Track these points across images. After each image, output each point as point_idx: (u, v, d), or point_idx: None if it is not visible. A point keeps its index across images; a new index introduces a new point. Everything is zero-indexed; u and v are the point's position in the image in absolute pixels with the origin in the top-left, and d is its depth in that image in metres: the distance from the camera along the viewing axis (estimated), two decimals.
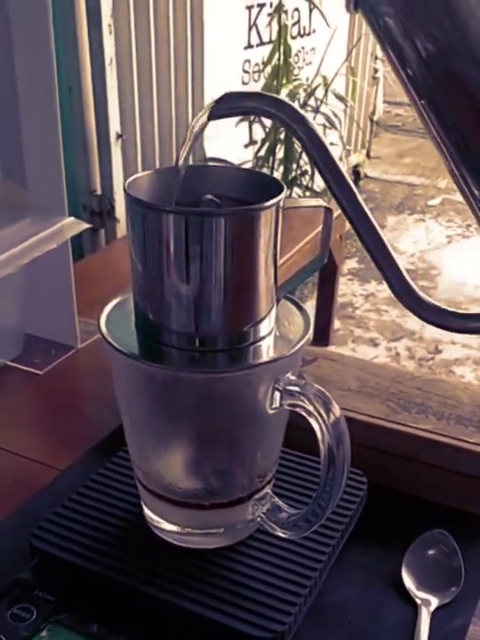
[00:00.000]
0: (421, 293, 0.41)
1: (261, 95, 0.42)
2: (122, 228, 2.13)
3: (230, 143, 2.39)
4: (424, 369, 2.23)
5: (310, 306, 2.14)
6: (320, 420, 0.43)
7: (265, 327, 0.46)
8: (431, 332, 2.42)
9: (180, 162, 0.44)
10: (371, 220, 0.41)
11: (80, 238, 2.12)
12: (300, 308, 0.50)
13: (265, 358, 0.46)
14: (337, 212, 0.45)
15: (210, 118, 0.42)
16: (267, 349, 0.46)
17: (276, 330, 0.47)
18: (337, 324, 2.35)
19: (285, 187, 0.43)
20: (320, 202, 0.46)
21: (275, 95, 0.43)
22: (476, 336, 2.35)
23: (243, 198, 0.45)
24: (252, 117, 2.28)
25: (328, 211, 0.47)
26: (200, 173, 0.47)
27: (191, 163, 0.45)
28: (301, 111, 0.41)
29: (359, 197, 0.41)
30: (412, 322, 2.49)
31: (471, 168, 0.38)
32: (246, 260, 0.43)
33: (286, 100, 0.42)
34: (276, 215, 0.43)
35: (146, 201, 0.43)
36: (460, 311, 0.42)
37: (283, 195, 0.43)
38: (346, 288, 2.67)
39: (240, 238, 0.42)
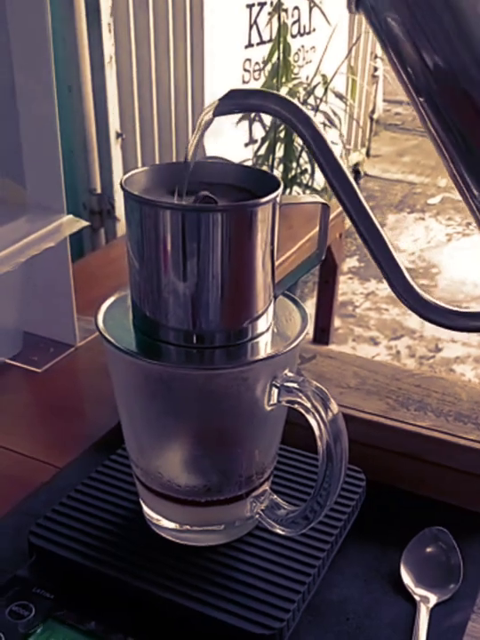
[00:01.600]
0: (422, 292, 0.41)
1: (265, 93, 0.42)
2: (122, 227, 2.13)
3: (230, 142, 2.39)
4: (424, 367, 2.23)
5: (311, 304, 2.14)
6: (318, 417, 0.43)
7: (262, 324, 0.46)
8: (431, 330, 2.41)
9: (189, 158, 0.44)
10: (372, 220, 0.41)
11: (80, 237, 2.12)
12: (297, 305, 0.50)
13: (262, 355, 0.46)
14: (337, 209, 0.45)
15: (215, 114, 0.42)
16: (264, 346, 0.46)
17: (273, 326, 0.47)
18: (337, 322, 2.35)
19: (282, 183, 0.43)
20: (317, 198, 0.46)
21: (279, 93, 0.43)
22: (477, 334, 2.35)
23: (240, 186, 0.45)
24: (252, 116, 2.28)
25: (325, 207, 0.46)
26: (198, 169, 0.47)
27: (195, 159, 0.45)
28: (305, 109, 0.41)
29: (361, 197, 0.41)
30: (413, 320, 2.49)
31: (470, 168, 0.38)
32: (243, 256, 0.43)
33: (290, 98, 0.42)
34: (273, 211, 0.43)
35: (142, 196, 0.43)
36: (461, 309, 0.42)
37: (280, 190, 0.43)
38: (346, 287, 2.67)
39: (237, 234, 0.42)
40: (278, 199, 0.43)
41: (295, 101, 0.42)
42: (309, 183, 2.39)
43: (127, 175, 0.44)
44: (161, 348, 0.45)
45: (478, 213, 0.39)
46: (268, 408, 0.46)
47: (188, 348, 0.45)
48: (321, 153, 0.41)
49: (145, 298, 0.45)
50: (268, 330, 0.47)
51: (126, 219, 0.44)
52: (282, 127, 2.26)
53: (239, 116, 2.14)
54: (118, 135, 2.10)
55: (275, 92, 0.42)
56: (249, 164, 2.31)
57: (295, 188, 2.39)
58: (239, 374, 0.45)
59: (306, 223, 1.40)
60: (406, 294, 0.42)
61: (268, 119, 2.27)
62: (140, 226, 0.43)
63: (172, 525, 0.52)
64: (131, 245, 0.44)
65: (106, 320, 0.47)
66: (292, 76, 2.37)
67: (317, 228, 0.49)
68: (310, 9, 2.80)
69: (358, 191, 0.41)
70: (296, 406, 0.45)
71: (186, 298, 0.43)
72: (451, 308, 0.42)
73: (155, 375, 0.46)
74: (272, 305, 0.47)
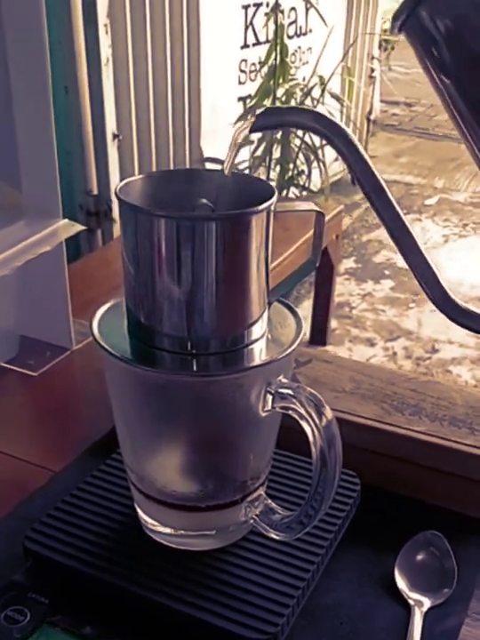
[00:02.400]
0: (459, 300, 0.43)
1: (301, 110, 0.43)
2: (119, 229, 2.13)
3: (227, 143, 2.38)
4: (421, 368, 2.23)
5: (307, 306, 2.15)
6: (312, 424, 0.43)
7: (257, 330, 0.46)
8: (428, 331, 2.42)
9: (226, 172, 0.45)
10: (410, 232, 0.43)
11: (77, 239, 2.12)
12: (292, 312, 0.50)
13: (257, 361, 0.46)
14: (332, 212, 0.45)
15: (251, 131, 0.43)
16: (259, 352, 0.46)
17: (268, 333, 0.48)
18: (334, 323, 2.35)
19: (279, 184, 0.43)
20: (312, 205, 0.47)
21: (314, 109, 0.44)
22: (473, 336, 2.36)
23: (235, 200, 0.45)
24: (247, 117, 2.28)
25: (320, 214, 0.47)
26: (194, 177, 0.48)
27: (195, 166, 0.45)
28: (342, 125, 0.42)
29: (399, 209, 0.43)
30: (409, 321, 2.49)
31: None
32: (238, 263, 0.43)
33: (326, 113, 0.43)
34: (267, 219, 0.43)
35: (138, 205, 0.43)
36: None
37: (274, 199, 0.43)
38: (343, 288, 2.67)
39: (231, 242, 0.42)
40: (272, 207, 0.43)
41: (331, 117, 0.42)
42: (306, 184, 2.39)
43: (122, 183, 0.44)
44: (156, 355, 0.45)
45: None
46: (263, 414, 0.46)
47: (182, 354, 0.45)
48: (359, 169, 0.42)
49: (140, 305, 0.45)
50: (262, 336, 0.47)
51: (121, 227, 0.44)
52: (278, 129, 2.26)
53: (235, 117, 2.14)
54: (115, 136, 2.10)
55: (310, 108, 0.43)
56: (246, 165, 2.32)
57: (292, 189, 2.39)
58: (234, 381, 0.45)
59: (302, 225, 1.40)
60: (442, 302, 0.43)
61: None
62: (135, 234, 0.43)
63: (167, 530, 0.52)
64: (126, 253, 0.45)
65: (101, 327, 0.47)
66: (289, 77, 2.37)
67: (312, 231, 0.49)
68: (307, 10, 2.81)
69: (395, 204, 0.42)
70: (290, 412, 0.45)
71: (181, 305, 0.43)
72: None
73: (150, 382, 0.46)
74: (267, 311, 0.47)
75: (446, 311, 0.43)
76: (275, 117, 0.44)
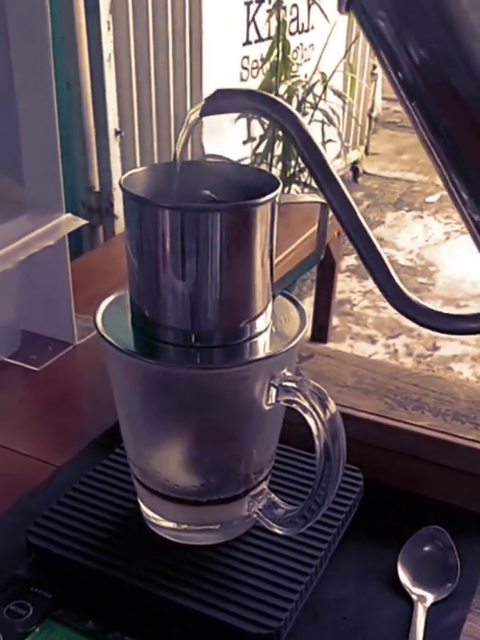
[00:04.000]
0: (411, 295, 0.41)
1: (253, 93, 0.42)
2: (120, 225, 2.13)
3: (228, 140, 2.38)
4: (422, 366, 2.23)
5: (308, 303, 2.14)
6: (316, 417, 0.43)
7: (261, 323, 0.46)
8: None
9: (177, 157, 0.44)
10: (360, 221, 0.41)
11: (79, 235, 2.12)
12: (296, 304, 0.50)
13: (261, 354, 0.46)
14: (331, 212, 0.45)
15: (201, 115, 0.43)
16: (263, 345, 0.46)
17: (272, 326, 0.47)
18: (335, 320, 2.35)
19: (281, 182, 0.43)
20: (316, 197, 0.46)
21: (266, 93, 0.43)
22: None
23: (240, 192, 0.45)
24: (250, 114, 2.28)
25: (324, 206, 0.47)
26: (197, 169, 0.47)
27: (188, 159, 0.45)
28: (292, 109, 0.41)
29: (350, 197, 0.41)
30: None
31: (460, 172, 0.38)
32: (242, 255, 0.43)
33: (277, 98, 0.42)
34: (271, 211, 0.43)
35: (142, 196, 0.43)
36: (450, 312, 0.42)
37: (279, 190, 0.43)
38: (344, 285, 2.66)
39: (236, 234, 0.42)
40: (277, 199, 0.43)
41: (282, 102, 0.42)
42: (308, 181, 2.39)
43: (126, 175, 0.44)
44: (159, 348, 0.45)
45: (468, 218, 0.39)
46: (267, 407, 0.46)
47: (186, 347, 0.45)
48: (307, 152, 0.41)
49: (144, 297, 0.45)
50: (266, 329, 0.47)
51: (125, 218, 0.44)
52: None
53: (237, 113, 2.14)
54: (117, 133, 2.09)
55: (262, 91, 0.43)
56: (247, 161, 2.31)
57: (294, 185, 2.39)
58: (237, 374, 0.45)
59: (304, 222, 1.40)
60: (395, 297, 0.41)
61: None
62: (139, 226, 0.43)
63: (169, 524, 0.52)
64: (130, 245, 0.44)
65: (104, 319, 0.47)
66: (291, 73, 2.37)
67: (315, 227, 0.49)
68: (309, 6, 2.80)
69: (346, 191, 0.41)
70: (294, 406, 0.45)
71: (185, 297, 0.43)
72: (440, 310, 0.42)
73: (153, 375, 0.46)
74: (271, 304, 0.47)
75: (399, 307, 0.41)
76: (224, 101, 0.43)
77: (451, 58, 0.35)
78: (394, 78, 0.37)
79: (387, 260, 0.41)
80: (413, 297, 0.41)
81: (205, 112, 0.42)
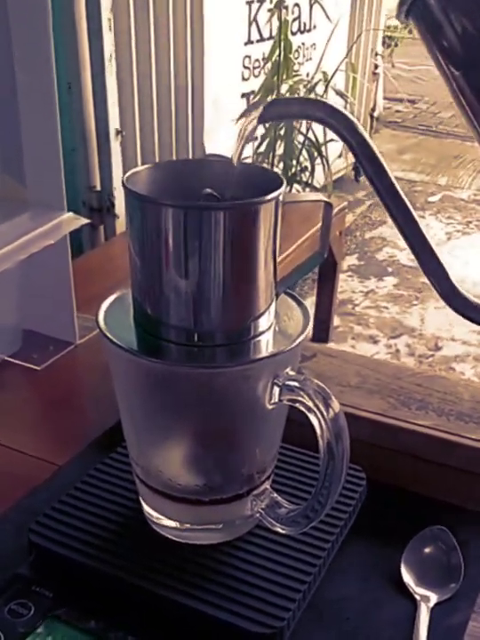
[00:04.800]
0: (469, 295, 0.42)
1: (308, 100, 0.43)
2: (121, 225, 2.13)
3: (230, 139, 2.38)
4: (424, 366, 2.23)
5: (310, 302, 2.14)
6: (319, 416, 0.43)
7: (264, 322, 0.46)
8: (431, 328, 2.41)
9: (234, 163, 0.44)
10: (419, 226, 0.42)
11: (80, 234, 2.12)
12: (299, 303, 0.49)
13: (264, 353, 0.45)
14: (337, 207, 0.45)
15: (259, 122, 0.43)
16: (266, 344, 0.46)
17: (275, 325, 0.47)
18: (337, 320, 2.34)
19: (285, 181, 0.43)
20: (320, 196, 0.46)
21: (324, 100, 0.43)
22: (477, 333, 2.35)
23: (244, 190, 0.45)
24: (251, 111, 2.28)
25: (328, 205, 0.46)
26: (200, 168, 0.47)
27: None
28: (351, 117, 0.42)
29: (408, 204, 0.42)
30: (412, 318, 2.49)
31: None
32: (245, 254, 0.43)
33: (335, 105, 0.42)
34: (275, 209, 0.43)
35: (145, 195, 0.43)
36: None
37: (282, 189, 0.43)
38: (345, 285, 2.66)
39: (239, 233, 0.42)
40: (281, 197, 0.43)
41: (341, 109, 0.42)
42: (309, 181, 2.39)
43: (129, 173, 0.44)
44: (162, 347, 0.45)
45: None
46: (270, 407, 0.46)
47: (189, 346, 0.45)
48: (366, 158, 0.41)
49: (146, 296, 0.45)
50: (269, 328, 0.47)
51: (128, 217, 0.44)
52: (282, 125, 2.26)
53: (238, 113, 2.13)
54: (118, 132, 2.09)
55: (319, 99, 0.43)
56: (249, 161, 2.31)
57: (295, 185, 2.38)
58: (241, 373, 0.45)
59: (304, 222, 1.39)
60: (452, 297, 0.42)
61: None
62: (141, 224, 0.43)
63: (172, 524, 0.52)
64: (132, 243, 0.44)
65: (107, 318, 0.47)
66: (293, 73, 2.37)
67: (315, 227, 0.48)
68: (311, 6, 2.80)
69: (404, 197, 0.42)
70: (297, 405, 0.44)
71: (187, 296, 0.43)
72: None
73: (156, 373, 0.46)
74: (274, 303, 0.47)
75: (455, 306, 0.42)
76: (282, 108, 0.43)
77: None
78: (436, 50, 0.38)
79: (444, 263, 0.42)
80: (471, 297, 0.42)
81: (263, 119, 0.43)
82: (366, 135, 0.42)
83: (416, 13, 0.39)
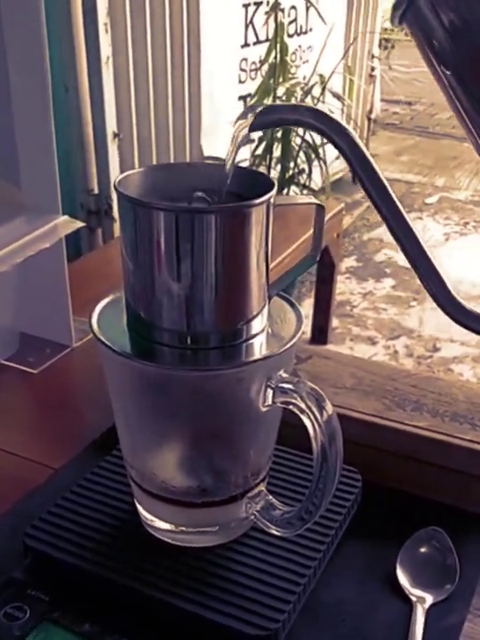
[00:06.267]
0: (465, 303, 0.42)
1: (303, 107, 0.43)
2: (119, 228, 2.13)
3: (227, 142, 2.38)
4: (422, 367, 2.23)
5: (308, 304, 2.14)
6: (312, 418, 0.43)
7: (257, 325, 0.46)
8: (429, 330, 2.42)
9: (227, 170, 0.44)
10: (412, 230, 0.42)
11: (77, 237, 2.12)
12: (292, 306, 0.50)
13: (257, 356, 0.45)
14: (333, 210, 0.45)
15: (251, 130, 0.43)
16: (259, 347, 0.46)
17: (268, 327, 0.47)
18: (335, 322, 2.35)
19: (276, 183, 0.43)
20: (312, 199, 0.46)
21: (312, 106, 0.43)
22: (475, 334, 2.35)
23: (236, 193, 0.45)
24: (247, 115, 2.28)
25: (320, 208, 0.46)
26: (192, 171, 0.47)
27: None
28: (342, 122, 0.42)
29: (401, 207, 0.42)
30: (410, 320, 2.49)
31: None
32: (238, 257, 0.43)
33: (324, 110, 0.42)
34: (267, 212, 0.43)
35: (136, 198, 0.43)
36: None
37: (273, 192, 0.43)
38: (344, 286, 2.66)
39: (231, 235, 0.42)
40: (272, 200, 0.43)
41: (333, 116, 0.42)
42: (307, 183, 2.39)
43: (121, 176, 0.44)
44: (155, 350, 0.45)
45: None
46: (263, 409, 0.46)
47: (182, 349, 0.45)
48: (358, 162, 0.41)
49: (139, 299, 0.45)
50: (262, 331, 0.47)
51: (120, 220, 0.44)
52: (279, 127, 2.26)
53: (236, 116, 2.13)
54: (115, 135, 2.10)
55: (308, 105, 0.43)
56: (246, 163, 2.31)
57: (293, 187, 2.39)
58: (234, 375, 0.45)
59: (302, 224, 1.40)
60: (449, 305, 0.42)
61: None
62: (134, 227, 0.43)
63: (167, 526, 0.52)
64: (125, 247, 0.44)
65: (100, 322, 0.47)
66: (290, 75, 2.37)
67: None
68: (307, 8, 2.80)
69: (397, 201, 0.42)
70: (291, 407, 0.44)
71: (180, 299, 0.43)
72: None
73: (149, 376, 0.46)
74: (267, 306, 0.47)
75: (451, 313, 0.42)
76: (274, 115, 0.43)
77: None
78: (427, 50, 0.39)
79: (440, 270, 0.42)
80: (468, 305, 0.42)
81: (255, 127, 0.43)
82: (361, 143, 0.42)
83: (410, 18, 0.39)
